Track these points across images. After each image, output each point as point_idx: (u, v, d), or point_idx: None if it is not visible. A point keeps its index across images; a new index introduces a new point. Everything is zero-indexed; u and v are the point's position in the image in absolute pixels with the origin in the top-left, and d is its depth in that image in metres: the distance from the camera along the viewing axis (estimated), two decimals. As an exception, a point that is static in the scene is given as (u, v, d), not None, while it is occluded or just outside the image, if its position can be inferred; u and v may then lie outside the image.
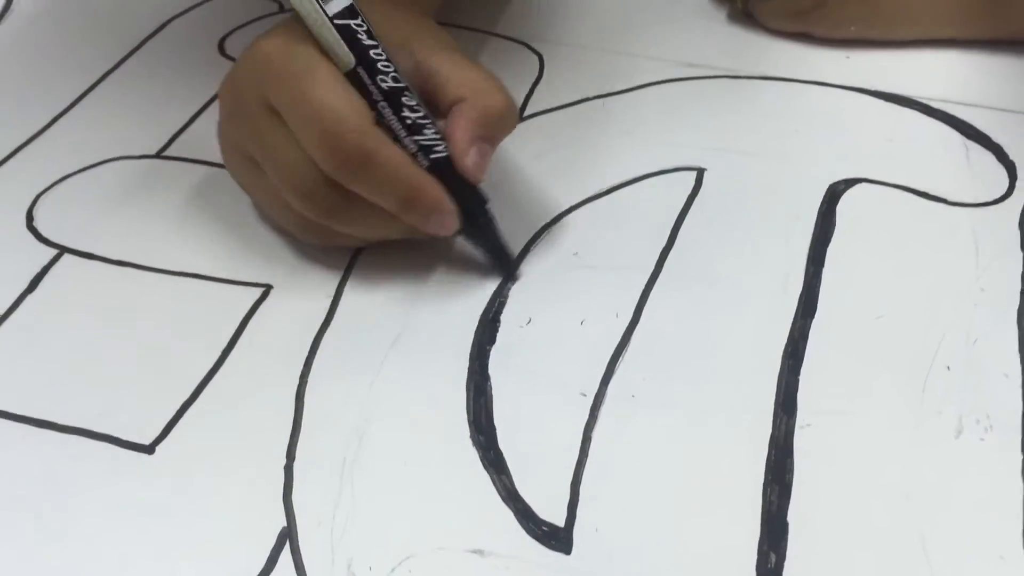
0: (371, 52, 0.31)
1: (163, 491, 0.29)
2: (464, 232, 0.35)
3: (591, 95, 0.44)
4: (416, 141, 0.32)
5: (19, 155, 0.43)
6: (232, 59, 0.45)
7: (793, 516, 0.28)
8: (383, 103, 0.32)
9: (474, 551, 0.27)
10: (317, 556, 0.28)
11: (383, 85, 0.32)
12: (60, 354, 0.34)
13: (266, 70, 0.32)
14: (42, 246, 0.38)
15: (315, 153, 0.31)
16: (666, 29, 0.48)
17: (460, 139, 0.32)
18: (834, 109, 0.43)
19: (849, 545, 0.28)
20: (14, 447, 0.31)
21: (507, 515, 0.28)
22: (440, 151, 0.33)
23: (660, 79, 0.45)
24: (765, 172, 0.40)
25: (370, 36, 0.32)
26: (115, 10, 0.52)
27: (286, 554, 0.28)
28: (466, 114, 0.33)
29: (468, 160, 0.33)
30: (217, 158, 0.37)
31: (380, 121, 0.32)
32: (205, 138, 0.39)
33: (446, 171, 0.33)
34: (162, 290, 0.36)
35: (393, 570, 0.27)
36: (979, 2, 0.46)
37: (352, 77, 0.31)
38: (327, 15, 0.31)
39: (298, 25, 0.32)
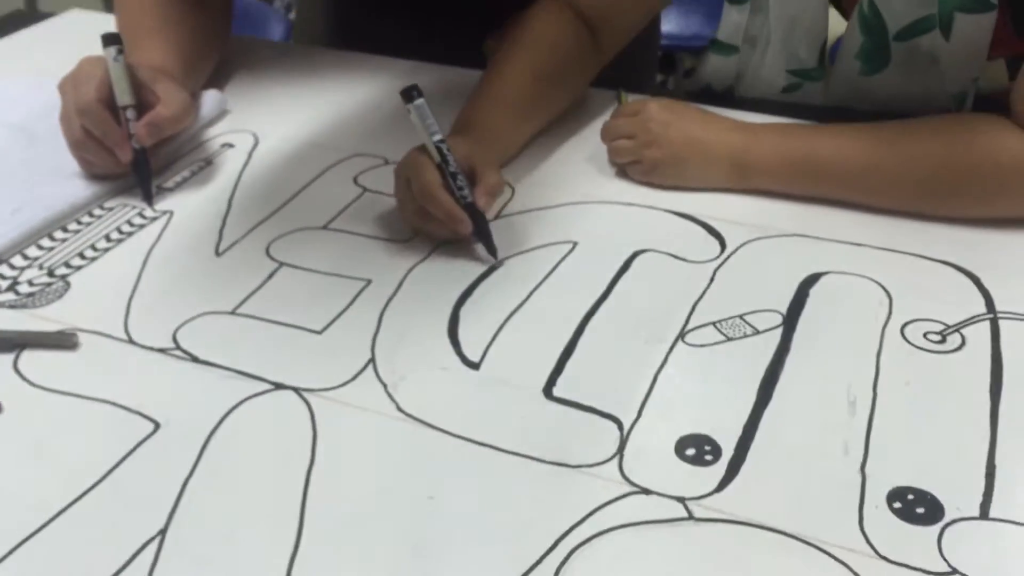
0: (448, 158, 0.75)
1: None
2: (474, 234, 0.76)
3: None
4: (460, 194, 0.75)
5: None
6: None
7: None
8: (448, 177, 0.75)
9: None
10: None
11: (449, 170, 0.75)
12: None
13: (407, 162, 0.77)
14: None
15: (416, 193, 0.75)
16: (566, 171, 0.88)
17: (479, 193, 0.76)
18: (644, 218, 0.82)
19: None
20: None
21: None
22: (468, 198, 0.75)
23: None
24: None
25: (447, 150, 0.75)
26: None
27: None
28: (482, 184, 0.76)
29: (480, 202, 0.76)
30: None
31: (445, 184, 0.75)
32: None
33: (470, 208, 0.75)
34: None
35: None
36: (732, 174, 0.84)
37: (438, 166, 0.75)
38: (432, 140, 0.75)
39: (422, 150, 0.75)
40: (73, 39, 1.01)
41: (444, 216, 0.74)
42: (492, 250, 0.76)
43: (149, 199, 0.86)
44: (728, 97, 1.00)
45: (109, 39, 0.86)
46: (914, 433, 0.60)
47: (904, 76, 0.89)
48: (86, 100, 0.84)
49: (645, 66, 1.22)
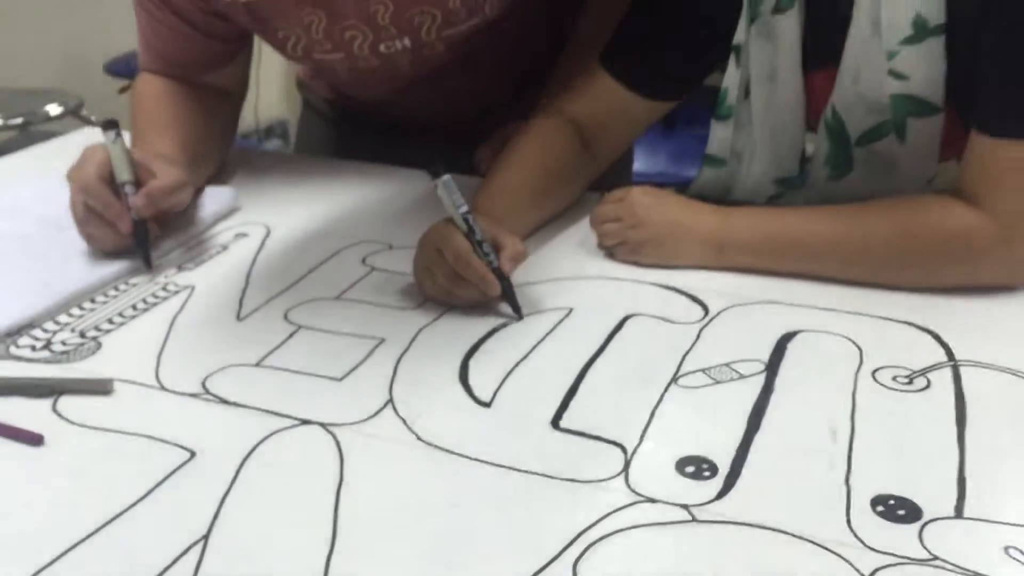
0: (474, 228, 0.82)
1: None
2: (501, 296, 0.83)
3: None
4: (487, 259, 0.81)
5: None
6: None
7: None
8: (476, 245, 0.81)
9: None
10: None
11: (476, 238, 0.82)
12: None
13: (436, 232, 0.85)
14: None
15: (450, 260, 0.81)
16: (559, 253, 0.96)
17: (504, 259, 0.82)
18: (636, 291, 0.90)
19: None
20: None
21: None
22: (494, 263, 0.82)
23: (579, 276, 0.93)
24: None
25: (474, 221, 0.82)
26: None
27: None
28: (505, 252, 0.83)
29: (506, 267, 0.82)
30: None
31: (474, 250, 0.81)
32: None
33: (496, 272, 0.82)
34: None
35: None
36: (710, 252, 0.92)
37: (466, 235, 0.82)
38: (460, 212, 0.82)
39: (449, 221, 0.83)
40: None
41: (477, 279, 0.81)
42: (517, 308, 0.83)
43: (148, 263, 0.92)
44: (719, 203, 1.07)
45: (108, 124, 0.95)
46: (891, 453, 0.65)
47: (866, 180, 0.97)
48: (87, 179, 0.91)
49: (624, 175, 1.32)
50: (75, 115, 2.29)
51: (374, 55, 1.08)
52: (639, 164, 2.14)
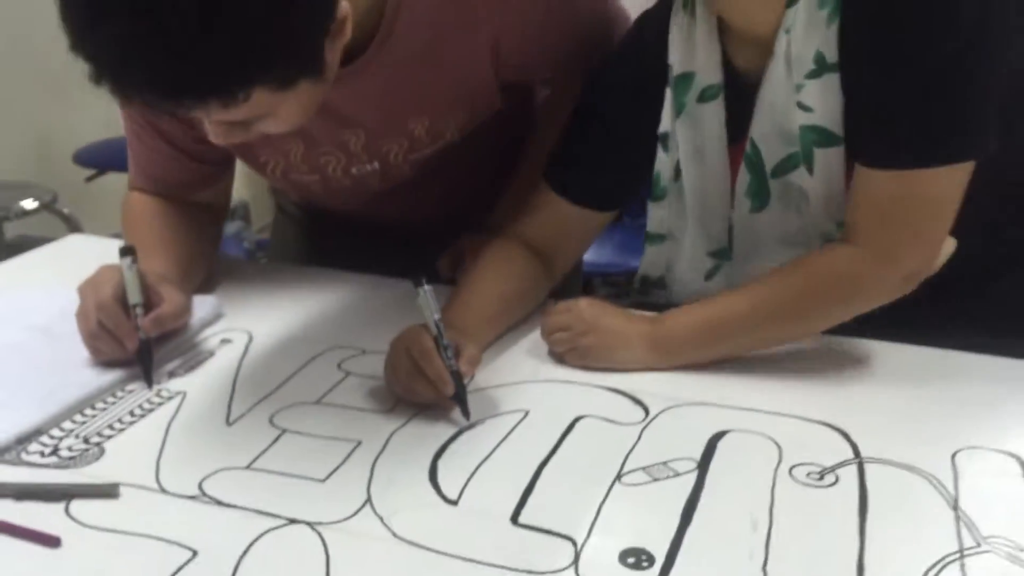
0: (443, 335, 0.92)
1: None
2: (452, 397, 0.91)
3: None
4: (449, 362, 0.91)
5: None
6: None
7: None
8: (441, 349, 0.91)
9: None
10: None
11: (443, 342, 0.91)
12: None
13: (408, 332, 0.95)
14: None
15: (416, 355, 0.91)
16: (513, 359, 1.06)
17: (463, 362, 0.92)
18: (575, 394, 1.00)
19: None
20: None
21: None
22: (454, 366, 0.91)
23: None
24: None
25: (443, 331, 0.92)
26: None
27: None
28: (464, 357, 0.92)
29: (463, 369, 0.92)
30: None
31: (438, 352, 0.91)
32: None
33: (455, 375, 0.91)
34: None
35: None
36: (651, 354, 1.03)
37: (434, 338, 0.92)
38: (434, 319, 0.93)
39: (421, 327, 0.93)
40: (76, 259, 1.20)
41: (434, 375, 0.90)
42: (466, 411, 0.92)
43: (149, 382, 1.01)
44: (660, 284, 1.17)
45: (126, 251, 1.04)
46: (802, 543, 0.76)
47: (783, 212, 1.04)
48: (105, 299, 1.00)
49: (571, 287, 1.43)
50: (50, 209, 2.37)
51: (346, 176, 1.19)
52: (589, 255, 2.26)
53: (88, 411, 0.95)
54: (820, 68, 0.94)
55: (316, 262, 1.36)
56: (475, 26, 1.06)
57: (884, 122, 0.92)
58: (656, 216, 1.12)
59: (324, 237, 1.43)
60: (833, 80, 0.94)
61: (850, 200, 0.97)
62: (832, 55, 0.93)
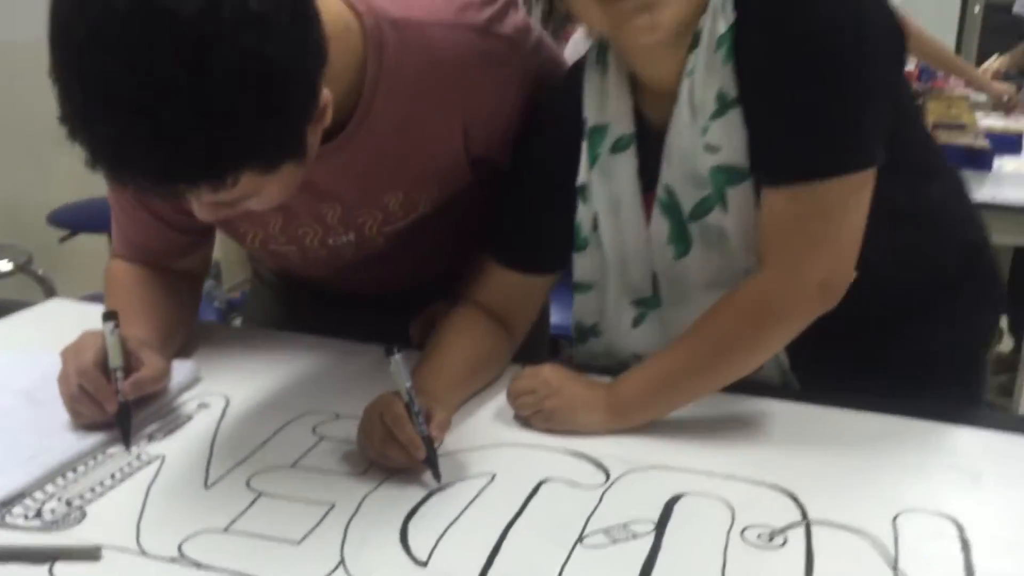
0: (414, 402, 0.96)
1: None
2: (424, 461, 0.95)
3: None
4: (420, 428, 0.95)
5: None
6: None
7: None
8: (412, 415, 0.96)
9: None
10: None
11: (414, 409, 0.96)
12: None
13: (380, 399, 0.99)
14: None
15: (388, 422, 0.95)
16: (481, 423, 1.10)
17: (433, 427, 0.97)
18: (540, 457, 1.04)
19: None
20: None
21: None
22: (425, 432, 0.95)
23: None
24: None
25: (415, 399, 0.97)
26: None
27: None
28: (434, 422, 0.97)
29: (434, 433, 0.97)
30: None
31: (410, 419, 0.95)
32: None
33: (426, 440, 0.95)
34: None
35: None
36: (612, 417, 1.07)
37: (406, 405, 0.96)
38: (405, 387, 0.97)
39: (394, 394, 0.98)
40: (56, 324, 1.24)
41: (407, 441, 0.95)
42: (437, 474, 0.96)
43: (127, 444, 1.04)
44: (595, 332, 1.22)
45: (108, 316, 1.08)
46: (752, 601, 0.80)
47: (706, 255, 1.07)
48: (85, 364, 1.04)
49: (538, 350, 1.48)
50: (24, 271, 2.39)
51: (322, 247, 1.23)
52: (555, 318, 2.31)
53: (70, 474, 0.98)
54: (722, 106, 1.00)
55: (291, 327, 1.40)
56: (447, 106, 1.12)
57: (777, 142, 0.98)
58: (580, 266, 1.17)
59: (299, 302, 1.47)
60: (736, 116, 1.00)
61: (761, 224, 1.02)
62: (732, 91, 0.99)
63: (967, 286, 1.16)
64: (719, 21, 0.99)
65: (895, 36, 1.01)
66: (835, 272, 1.00)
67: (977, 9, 5.19)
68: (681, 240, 1.09)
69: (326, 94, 0.92)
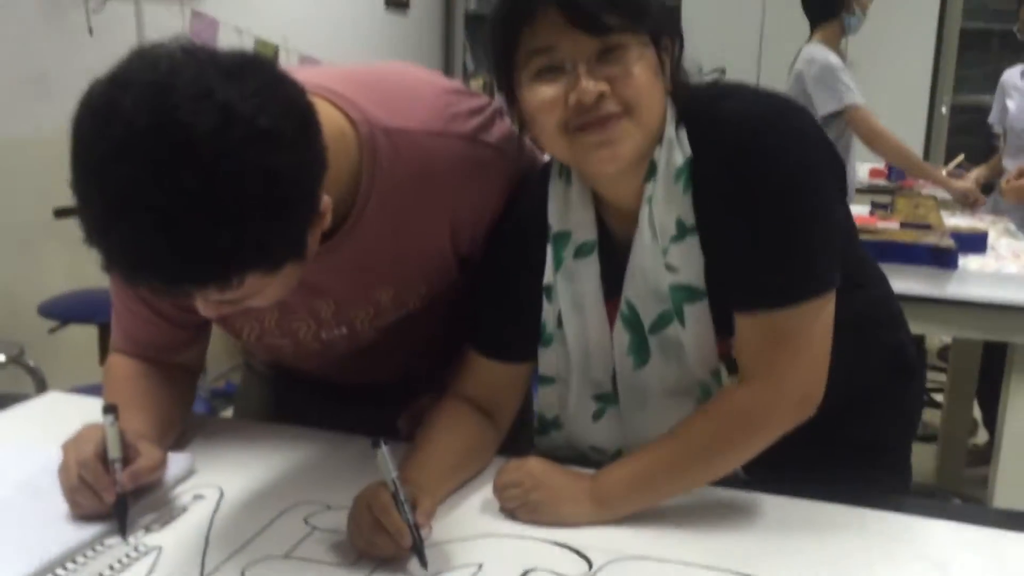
0: (400, 490, 1.00)
1: None
2: (411, 549, 0.98)
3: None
4: (406, 516, 0.98)
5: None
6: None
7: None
8: (399, 505, 0.98)
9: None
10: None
11: (401, 498, 0.99)
12: None
13: (368, 490, 1.03)
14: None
15: (376, 512, 0.98)
16: (468, 514, 1.13)
17: (419, 515, 1.00)
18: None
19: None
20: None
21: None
22: (411, 521, 0.98)
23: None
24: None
25: (400, 484, 1.00)
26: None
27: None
28: (420, 509, 1.01)
29: (420, 521, 1.00)
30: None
31: (396, 507, 0.98)
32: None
33: (411, 528, 0.98)
34: None
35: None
36: (596, 509, 1.11)
37: (392, 495, 0.99)
38: (392, 476, 1.00)
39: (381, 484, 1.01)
40: (54, 416, 1.29)
41: (393, 529, 0.98)
42: (424, 562, 0.99)
43: (124, 534, 1.07)
44: (556, 425, 1.26)
45: (108, 409, 1.11)
46: None
47: (664, 365, 1.15)
48: (85, 456, 1.08)
49: (525, 442, 1.52)
50: (17, 362, 2.42)
51: (316, 341, 1.28)
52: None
53: (69, 564, 1.01)
54: (681, 233, 1.10)
55: (282, 418, 1.44)
56: (436, 210, 1.18)
57: (745, 274, 1.07)
58: (545, 361, 1.23)
59: (290, 394, 1.51)
60: (694, 242, 1.10)
61: (737, 346, 1.11)
62: (690, 220, 1.10)
63: (893, 380, 1.26)
64: (675, 153, 1.09)
65: (837, 167, 1.13)
66: (812, 383, 1.09)
67: (944, 110, 5.38)
68: (641, 351, 1.17)
69: (325, 199, 0.98)
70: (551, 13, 1.02)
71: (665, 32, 1.08)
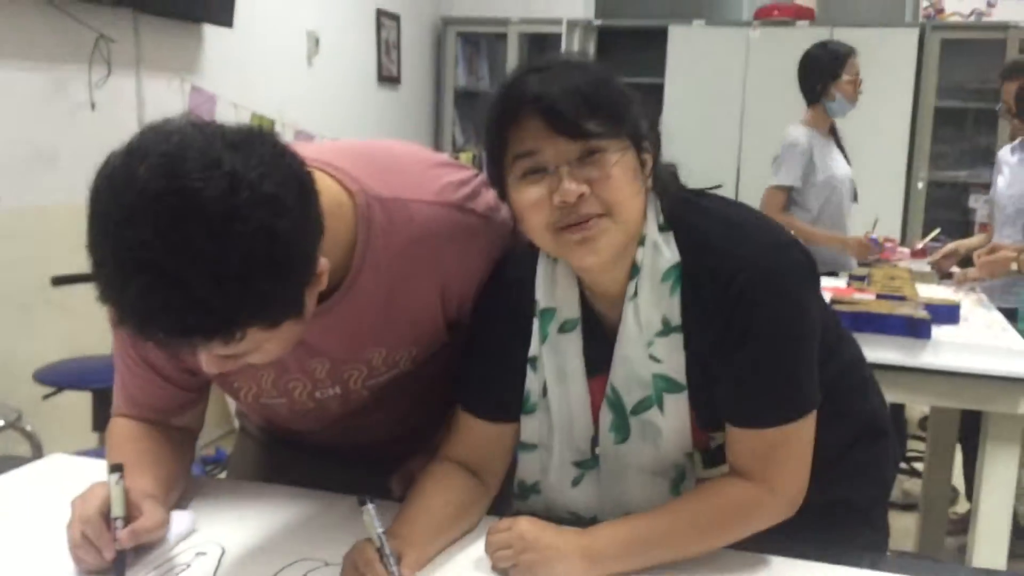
0: (385, 545, 1.05)
1: None
2: None
3: None
4: (391, 568, 1.04)
5: None
6: None
7: None
8: (384, 559, 1.05)
9: None
10: None
11: (386, 552, 1.05)
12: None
13: (355, 547, 1.09)
14: None
15: (360, 566, 1.05)
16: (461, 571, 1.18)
17: (404, 566, 1.07)
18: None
19: None
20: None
21: None
22: (396, 573, 1.04)
23: None
24: None
25: (386, 540, 1.06)
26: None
27: None
28: (405, 562, 1.07)
29: (405, 572, 1.06)
30: None
31: (382, 562, 1.04)
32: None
33: None
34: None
35: None
36: (587, 568, 1.14)
37: (378, 550, 1.05)
38: (378, 532, 1.06)
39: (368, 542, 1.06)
40: (58, 477, 1.33)
41: None
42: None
43: None
44: (535, 490, 1.31)
45: (115, 468, 1.16)
46: None
47: (642, 445, 1.22)
48: (90, 513, 1.12)
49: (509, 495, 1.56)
50: (14, 427, 2.45)
51: (310, 400, 1.33)
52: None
53: (74, 617, 1.04)
54: (666, 329, 1.18)
55: (274, 478, 1.48)
56: (427, 273, 1.25)
57: (741, 396, 1.16)
58: (527, 428, 1.29)
59: (283, 456, 1.55)
60: (677, 339, 1.18)
61: (730, 448, 1.19)
62: (675, 319, 1.18)
63: (865, 441, 1.34)
64: (661, 255, 1.17)
65: (811, 265, 1.20)
66: (799, 484, 1.18)
67: (920, 185, 5.52)
68: (621, 430, 1.24)
69: (323, 261, 1.05)
70: (535, 119, 1.11)
71: (644, 135, 1.16)
